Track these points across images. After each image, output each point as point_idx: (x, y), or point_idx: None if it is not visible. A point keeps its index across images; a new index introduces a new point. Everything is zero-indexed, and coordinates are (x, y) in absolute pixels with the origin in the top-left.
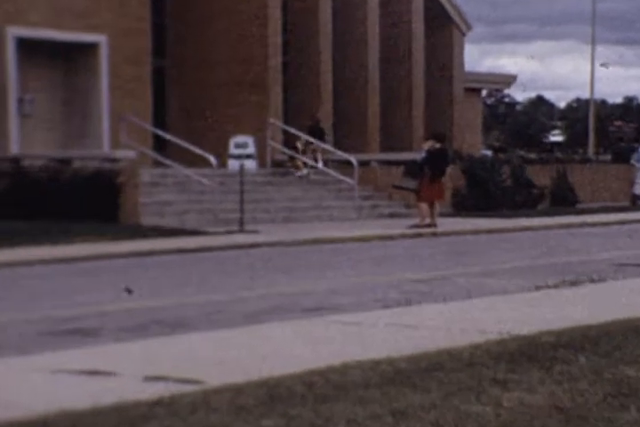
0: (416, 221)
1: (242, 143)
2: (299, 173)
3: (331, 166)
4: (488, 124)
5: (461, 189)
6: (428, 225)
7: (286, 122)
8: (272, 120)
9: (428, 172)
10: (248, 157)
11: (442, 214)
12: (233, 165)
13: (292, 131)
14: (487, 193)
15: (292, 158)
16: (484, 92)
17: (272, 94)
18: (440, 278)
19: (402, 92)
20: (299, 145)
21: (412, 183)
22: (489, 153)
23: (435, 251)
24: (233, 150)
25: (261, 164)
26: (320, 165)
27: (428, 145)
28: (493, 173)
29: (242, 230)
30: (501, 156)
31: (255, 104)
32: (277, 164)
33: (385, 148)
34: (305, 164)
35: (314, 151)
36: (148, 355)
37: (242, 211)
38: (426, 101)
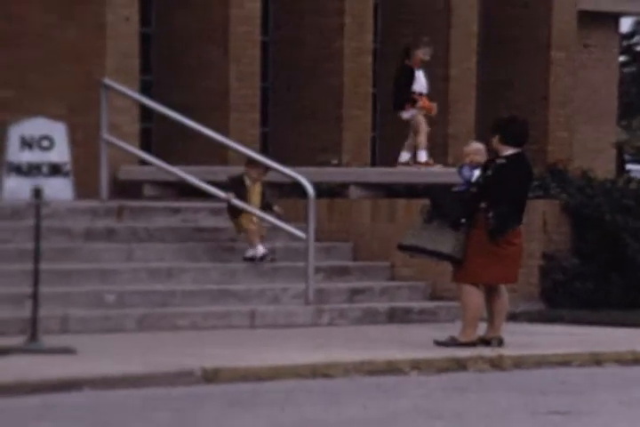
0: (455, 331)
1: (37, 139)
2: (252, 254)
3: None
4: (637, 99)
5: (564, 258)
6: (484, 341)
7: (150, 89)
8: (110, 82)
9: (485, 215)
10: (53, 171)
11: (517, 316)
12: (16, 188)
13: (172, 114)
14: (626, 265)
15: (235, 212)
16: (626, 24)
17: (111, 16)
18: None
19: (427, 29)
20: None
21: (446, 243)
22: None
23: (495, 405)
24: (16, 154)
25: (87, 188)
26: None
27: (480, 152)
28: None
29: (34, 349)
30: None
31: (69, 43)
32: (127, 187)
33: (382, 157)
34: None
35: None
36: None
37: (35, 300)
38: (483, 47)
